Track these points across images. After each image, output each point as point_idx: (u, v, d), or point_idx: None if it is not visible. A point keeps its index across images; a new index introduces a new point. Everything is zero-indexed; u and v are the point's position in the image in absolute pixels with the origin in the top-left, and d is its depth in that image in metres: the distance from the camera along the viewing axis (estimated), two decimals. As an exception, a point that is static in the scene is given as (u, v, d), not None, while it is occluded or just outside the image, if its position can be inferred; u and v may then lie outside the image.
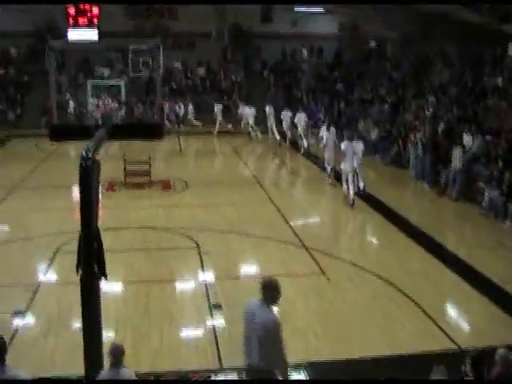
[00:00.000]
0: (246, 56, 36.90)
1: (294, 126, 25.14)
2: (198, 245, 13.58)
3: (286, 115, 25.92)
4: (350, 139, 17.40)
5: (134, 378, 6.31)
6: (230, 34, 36.58)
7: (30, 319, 10.19)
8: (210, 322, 10.10)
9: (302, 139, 24.38)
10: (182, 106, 30.76)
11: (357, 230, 16.03)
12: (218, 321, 10.16)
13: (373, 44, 36.98)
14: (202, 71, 35.85)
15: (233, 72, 35.68)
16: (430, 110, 22.72)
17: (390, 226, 15.32)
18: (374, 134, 24.35)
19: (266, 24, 36.24)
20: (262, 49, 36.93)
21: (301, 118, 24.38)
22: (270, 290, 6.44)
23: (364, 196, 17.48)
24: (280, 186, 20.09)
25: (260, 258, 13.22)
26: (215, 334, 9.66)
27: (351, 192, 16.68)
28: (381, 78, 31.58)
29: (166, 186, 19.44)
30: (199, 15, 33.83)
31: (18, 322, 10.01)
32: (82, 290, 6.40)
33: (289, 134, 26.20)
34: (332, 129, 20.01)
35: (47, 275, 12.15)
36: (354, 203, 16.65)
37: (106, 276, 6.74)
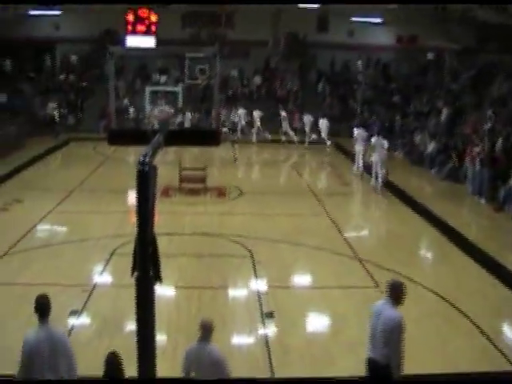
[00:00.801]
0: (301, 65, 36.90)
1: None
2: (251, 253, 13.64)
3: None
4: (379, 135, 20.53)
5: (219, 355, 6.88)
6: (285, 42, 36.60)
7: (85, 319, 10.41)
8: (261, 331, 10.11)
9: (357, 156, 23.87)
10: (237, 114, 30.92)
11: (412, 244, 15.76)
12: (270, 329, 10.15)
13: (430, 56, 36.52)
14: (257, 79, 36.03)
15: (288, 81, 35.67)
16: (489, 123, 22.24)
17: (446, 241, 15.06)
18: (430, 148, 23.97)
19: (321, 33, 36.13)
20: (317, 58, 36.87)
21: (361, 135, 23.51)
22: (395, 292, 7.15)
23: (420, 210, 17.28)
24: (335, 197, 19.87)
25: (313, 269, 13.20)
26: (267, 342, 9.66)
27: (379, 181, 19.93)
28: (438, 90, 31.14)
29: (221, 193, 19.60)
30: (255, 24, 34.02)
31: (73, 321, 10.23)
32: (136, 292, 6.45)
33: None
34: (379, 139, 20.19)
35: (103, 277, 12.37)
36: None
37: (160, 279, 6.79)
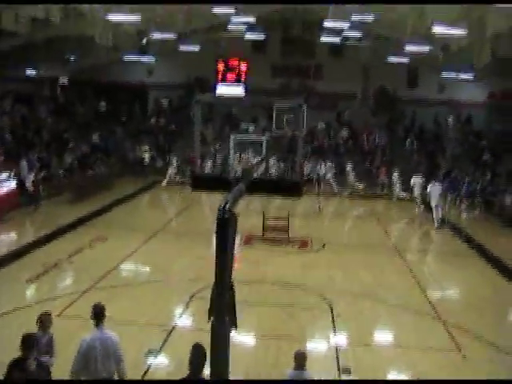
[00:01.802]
0: (390, 119, 36.82)
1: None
2: (331, 306, 13.58)
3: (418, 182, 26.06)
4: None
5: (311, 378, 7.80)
6: (375, 96, 36.70)
7: (162, 359, 10.58)
8: (338, 387, 10.00)
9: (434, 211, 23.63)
10: (323, 166, 31.02)
11: (499, 308, 15.21)
12: (347, 387, 10.03)
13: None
14: (344, 132, 36.16)
15: (376, 135, 35.62)
16: None
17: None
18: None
19: (411, 88, 36.04)
20: (406, 113, 36.73)
21: (435, 189, 23.79)
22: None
23: (510, 275, 16.79)
24: (419, 255, 19.57)
25: (393, 327, 12.97)
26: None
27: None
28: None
29: (304, 244, 19.64)
30: (344, 76, 34.35)
31: (150, 360, 10.44)
32: (211, 338, 6.56)
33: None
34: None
35: (182, 319, 12.57)
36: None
37: (236, 327, 6.90)
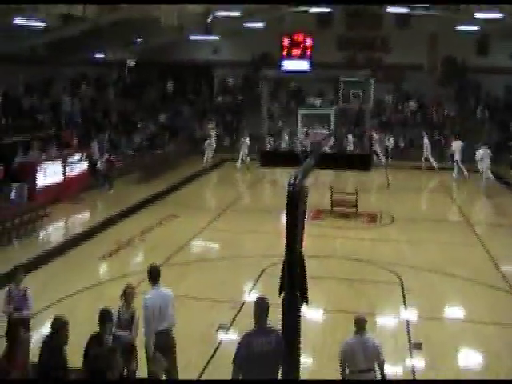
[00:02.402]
0: (460, 90, 35.82)
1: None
2: (401, 280, 13.45)
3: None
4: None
5: (377, 341, 7.78)
6: (443, 66, 35.69)
7: (232, 335, 10.71)
8: (409, 362, 9.93)
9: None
10: (392, 139, 30.55)
11: None
12: (418, 361, 9.94)
13: None
14: (412, 104, 35.46)
15: (445, 106, 34.78)
16: None
17: None
18: None
19: (482, 57, 34.84)
20: (477, 83, 35.62)
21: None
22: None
23: None
24: (491, 227, 19.05)
25: (465, 302, 12.72)
26: (414, 374, 9.50)
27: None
28: None
29: (372, 218, 19.48)
30: (411, 47, 33.52)
31: (221, 335, 10.60)
32: (283, 313, 6.58)
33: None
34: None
35: (251, 295, 12.68)
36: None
37: (307, 301, 6.90)
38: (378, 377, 7.58)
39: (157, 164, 27.00)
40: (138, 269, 14.07)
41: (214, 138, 30.85)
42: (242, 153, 29.62)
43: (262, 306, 6.93)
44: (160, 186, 23.63)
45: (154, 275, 8.36)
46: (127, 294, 8.36)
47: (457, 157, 27.49)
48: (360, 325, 7.75)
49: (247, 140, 29.83)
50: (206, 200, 22.63)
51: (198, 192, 23.92)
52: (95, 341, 7.42)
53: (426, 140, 29.29)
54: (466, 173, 26.90)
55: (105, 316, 7.63)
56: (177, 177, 24.47)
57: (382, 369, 7.56)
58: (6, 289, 9.43)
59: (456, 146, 27.75)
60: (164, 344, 8.14)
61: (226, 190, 24.70)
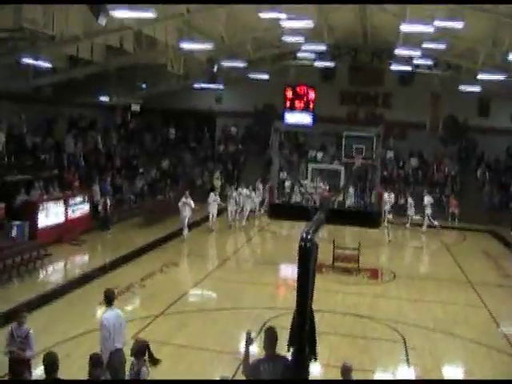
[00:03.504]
0: (461, 149, 36.26)
1: None
2: (403, 339, 13.40)
3: None
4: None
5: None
6: (444, 125, 36.13)
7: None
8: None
9: None
10: (392, 196, 30.67)
11: None
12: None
13: None
14: (414, 162, 35.79)
15: (447, 165, 35.10)
16: None
17: None
18: None
19: (483, 118, 35.35)
20: (478, 143, 36.06)
21: None
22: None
23: None
24: (493, 288, 18.98)
25: (469, 364, 12.59)
26: None
27: None
28: None
29: (374, 274, 19.50)
30: (413, 105, 34.07)
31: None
32: (292, 368, 6.57)
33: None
34: None
35: (253, 347, 12.54)
36: None
37: (316, 357, 6.91)
38: None
39: (158, 210, 27.08)
40: (138, 315, 14.03)
41: (217, 192, 28.97)
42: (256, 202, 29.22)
43: (270, 336, 7.17)
44: (161, 232, 23.67)
45: (109, 298, 9.40)
46: None
47: (427, 211, 28.46)
48: (345, 374, 8.33)
49: (261, 188, 29.72)
50: (207, 248, 22.63)
51: (199, 240, 23.89)
52: None
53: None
54: (436, 223, 28.19)
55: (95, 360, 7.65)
56: (177, 223, 24.46)
57: None
58: (9, 328, 9.40)
59: (427, 200, 28.68)
60: (119, 361, 8.90)
61: (227, 240, 24.74)
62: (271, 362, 6.93)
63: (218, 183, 32.99)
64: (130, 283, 16.62)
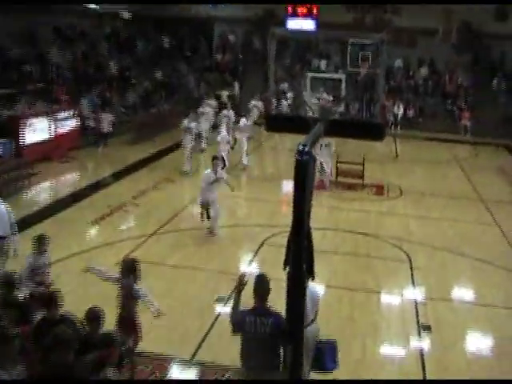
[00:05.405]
0: (475, 58, 35.47)
1: None
2: (409, 258, 13.42)
3: None
4: None
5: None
6: (458, 32, 35.19)
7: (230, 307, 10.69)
8: (416, 343, 9.94)
9: None
10: (401, 107, 30.34)
11: None
12: (427, 343, 9.95)
13: None
14: (424, 71, 35.14)
15: (459, 74, 34.45)
16: None
17: None
18: None
19: (500, 23, 34.32)
20: (494, 51, 35.20)
21: None
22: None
23: None
24: (506, 205, 18.84)
25: (477, 283, 12.61)
26: (422, 356, 9.49)
27: None
28: None
29: (379, 190, 19.38)
30: (424, 11, 33.06)
31: (220, 308, 10.59)
32: (288, 287, 6.52)
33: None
34: None
35: (251, 267, 12.62)
36: None
37: (313, 276, 6.85)
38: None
39: (151, 124, 26.72)
40: (131, 235, 14.04)
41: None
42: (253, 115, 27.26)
43: (260, 285, 6.88)
44: (154, 148, 23.46)
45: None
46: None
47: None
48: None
49: (258, 104, 27.94)
50: (203, 164, 22.42)
51: (195, 155, 23.59)
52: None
53: None
54: None
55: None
56: (173, 138, 24.17)
57: None
58: (29, 260, 8.90)
59: None
60: None
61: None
62: (258, 317, 6.69)
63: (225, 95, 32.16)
64: (122, 202, 16.54)
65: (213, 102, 27.86)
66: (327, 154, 19.00)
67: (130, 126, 26.07)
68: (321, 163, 18.17)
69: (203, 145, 23.81)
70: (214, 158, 14.73)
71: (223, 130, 21.46)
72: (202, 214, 14.17)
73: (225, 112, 24.10)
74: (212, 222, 14.22)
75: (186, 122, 20.99)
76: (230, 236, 14.59)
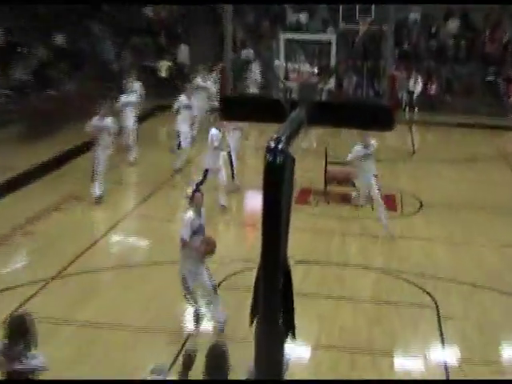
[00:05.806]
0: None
1: None
2: (435, 302, 13.56)
3: None
4: None
5: None
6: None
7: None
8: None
9: None
10: (420, 81, 30.62)
11: None
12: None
13: None
14: (453, 26, 35.48)
15: (505, 30, 34.94)
16: None
17: None
18: None
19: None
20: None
21: None
22: None
23: None
24: None
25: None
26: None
27: None
28: None
29: (389, 203, 19.29)
30: None
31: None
32: (256, 349, 6.55)
33: None
34: None
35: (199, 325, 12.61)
36: None
37: (294, 335, 6.90)
38: None
39: (50, 112, 26.61)
40: (21, 280, 13.95)
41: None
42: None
43: (214, 358, 7.15)
44: (53, 148, 23.31)
45: None
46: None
47: None
48: None
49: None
50: (128, 171, 22.42)
51: (112, 157, 22.98)
52: None
53: None
54: None
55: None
56: (80, 134, 23.97)
57: None
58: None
59: None
60: None
61: (163, 155, 24.29)
62: None
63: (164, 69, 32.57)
64: (8, 229, 16.49)
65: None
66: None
67: (17, 115, 25.95)
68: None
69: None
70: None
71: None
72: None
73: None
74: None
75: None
76: (168, 276, 14.29)
